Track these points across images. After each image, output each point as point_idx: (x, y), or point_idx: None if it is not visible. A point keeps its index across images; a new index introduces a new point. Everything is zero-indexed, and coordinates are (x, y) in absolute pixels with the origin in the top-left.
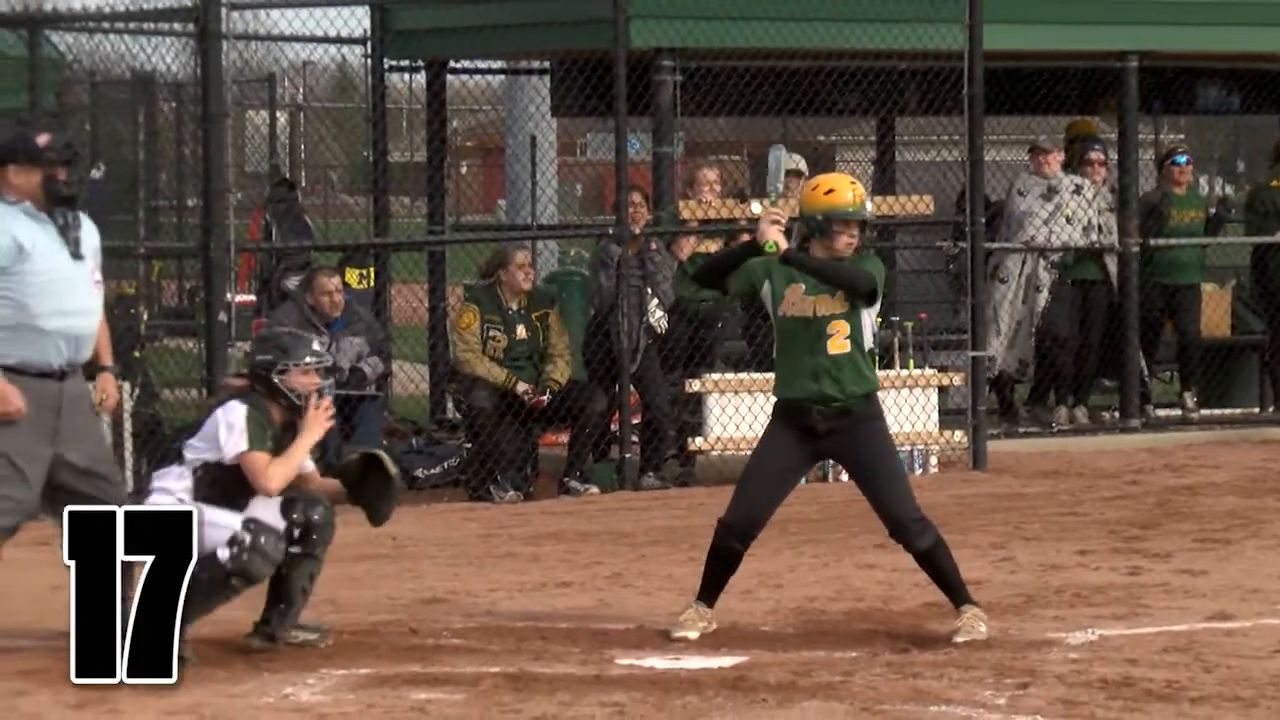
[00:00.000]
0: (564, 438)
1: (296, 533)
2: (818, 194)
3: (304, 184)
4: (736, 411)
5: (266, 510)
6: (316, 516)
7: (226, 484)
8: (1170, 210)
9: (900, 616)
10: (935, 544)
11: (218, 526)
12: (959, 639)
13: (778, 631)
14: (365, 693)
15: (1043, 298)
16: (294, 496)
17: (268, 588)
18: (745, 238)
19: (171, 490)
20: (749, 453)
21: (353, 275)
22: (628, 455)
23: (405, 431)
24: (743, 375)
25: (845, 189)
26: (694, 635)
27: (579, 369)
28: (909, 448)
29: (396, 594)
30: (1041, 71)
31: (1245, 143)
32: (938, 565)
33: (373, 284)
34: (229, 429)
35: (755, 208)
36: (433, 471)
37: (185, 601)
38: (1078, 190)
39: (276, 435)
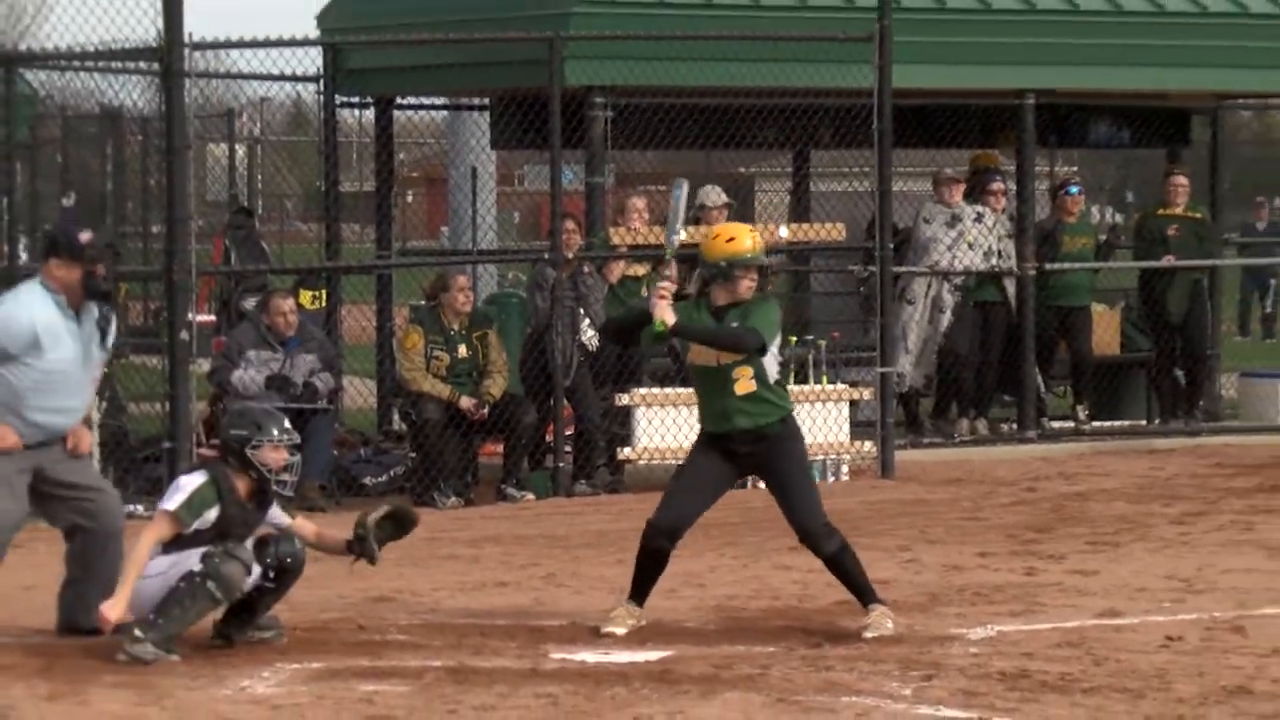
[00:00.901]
0: (501, 448)
1: (271, 572)
2: (719, 242)
3: (261, 212)
4: (663, 424)
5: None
6: (290, 560)
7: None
8: (1064, 237)
9: (814, 613)
10: (841, 549)
11: (194, 555)
12: (869, 635)
13: (700, 627)
14: (316, 685)
15: (946, 318)
16: (269, 536)
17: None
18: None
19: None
20: (674, 462)
21: (306, 297)
22: (561, 464)
23: (354, 442)
24: (668, 390)
25: (745, 237)
26: (622, 631)
27: (515, 384)
28: (822, 457)
29: (346, 593)
30: (946, 108)
31: (1133, 175)
32: (844, 568)
33: (325, 305)
34: (176, 489)
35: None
36: (380, 479)
37: (168, 608)
38: (979, 218)
39: (229, 509)
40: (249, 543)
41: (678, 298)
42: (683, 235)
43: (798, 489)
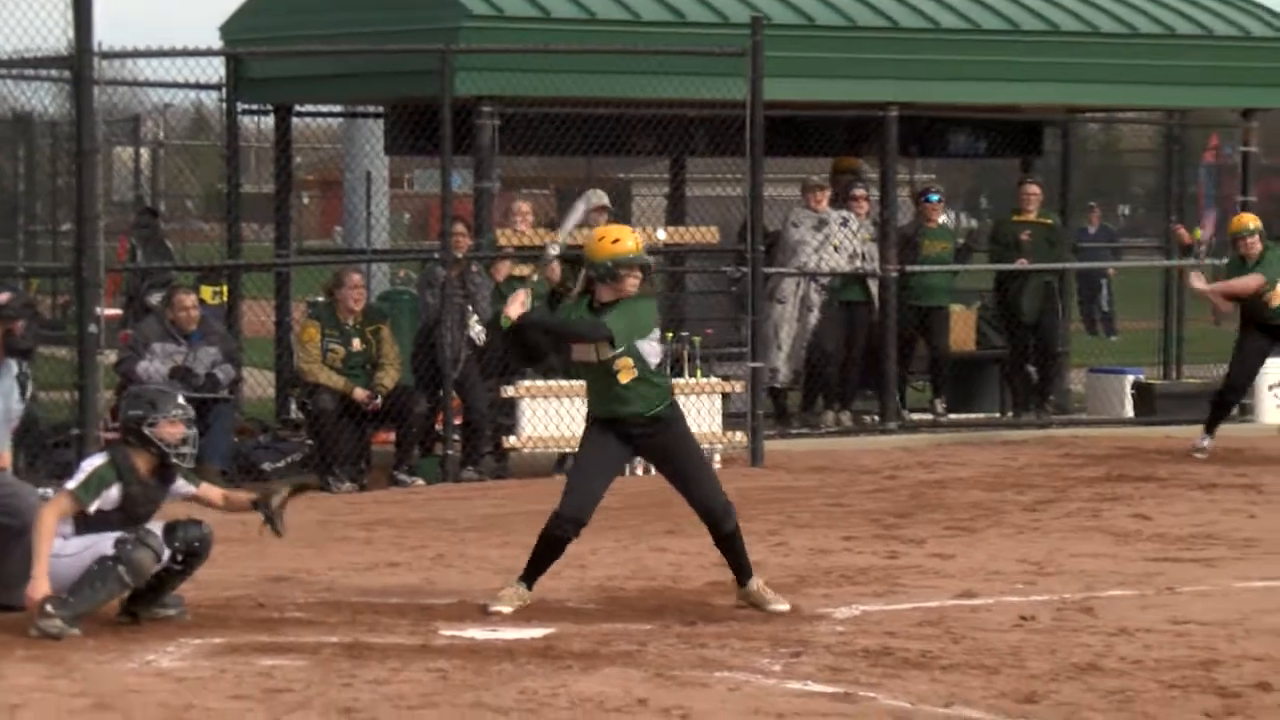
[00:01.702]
0: (393, 436)
1: (179, 555)
2: (604, 244)
3: (164, 212)
4: (546, 414)
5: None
6: (198, 543)
7: (105, 523)
8: (924, 241)
9: (688, 594)
10: (737, 526)
11: (108, 539)
12: (773, 608)
13: (581, 606)
14: (218, 660)
15: (814, 316)
16: (177, 522)
17: None
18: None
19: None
20: (557, 450)
21: (208, 292)
22: (450, 451)
23: (253, 430)
24: (551, 382)
25: (628, 238)
26: (509, 610)
27: (407, 376)
28: None
29: (246, 573)
30: (814, 119)
31: (987, 182)
32: (736, 546)
33: (226, 300)
34: (78, 471)
35: (552, 250)
36: (278, 465)
37: (80, 588)
38: (845, 223)
39: (130, 487)
40: (159, 527)
41: (559, 297)
42: (568, 240)
43: (698, 469)
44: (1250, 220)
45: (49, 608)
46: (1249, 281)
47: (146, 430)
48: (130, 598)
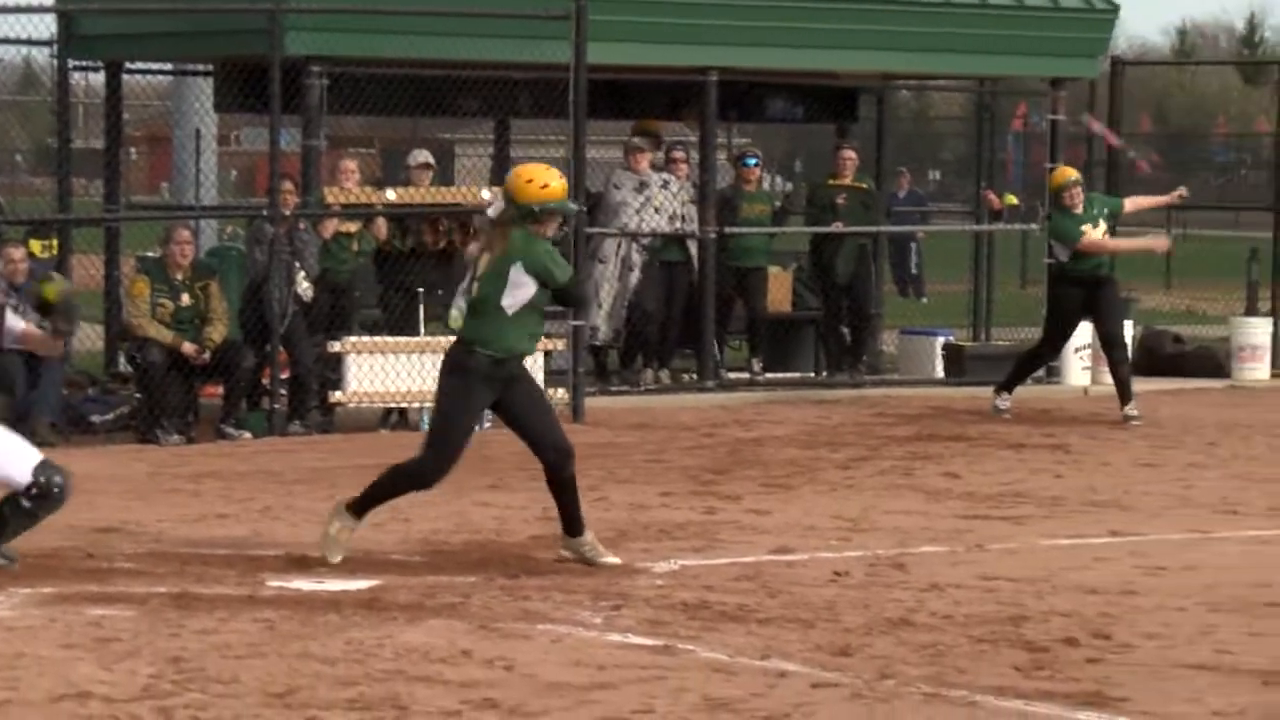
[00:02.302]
0: (221, 390)
1: (34, 491)
2: (533, 187)
3: None
4: (371, 370)
5: (18, 459)
6: (56, 489)
7: None
8: (742, 204)
9: (511, 547)
10: (574, 473)
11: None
12: (605, 560)
13: (406, 559)
14: (48, 609)
15: (634, 276)
16: (47, 461)
17: None
18: None
19: None
20: (382, 405)
21: (37, 246)
22: (276, 406)
23: (82, 383)
24: (377, 339)
25: (557, 185)
26: (338, 559)
27: (235, 331)
28: None
29: (75, 523)
30: (636, 83)
31: (802, 147)
32: (574, 493)
33: (55, 254)
34: None
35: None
36: (106, 417)
37: None
38: (665, 185)
39: None
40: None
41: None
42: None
43: (549, 411)
44: (1072, 171)
45: None
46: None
47: None
48: None
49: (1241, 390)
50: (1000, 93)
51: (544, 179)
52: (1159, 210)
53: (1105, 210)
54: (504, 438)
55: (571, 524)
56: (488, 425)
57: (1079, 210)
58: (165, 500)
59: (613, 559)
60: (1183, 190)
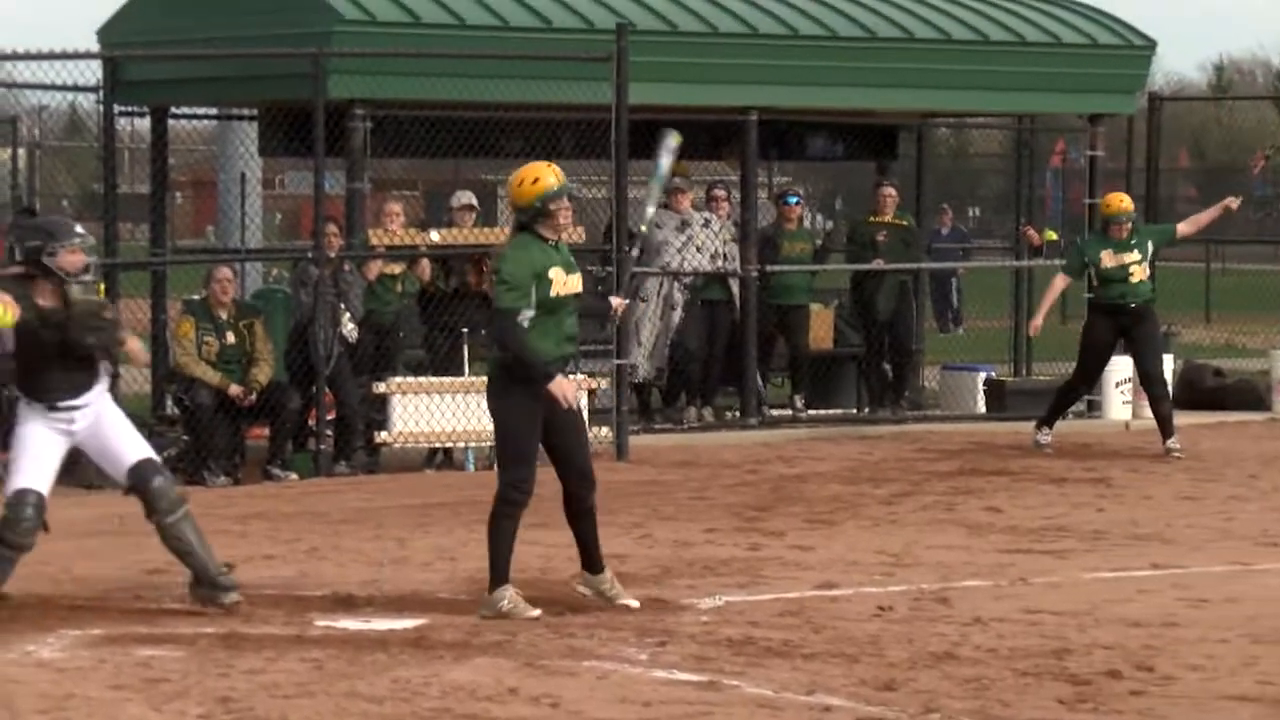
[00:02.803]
0: (267, 431)
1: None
2: (526, 187)
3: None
4: (416, 410)
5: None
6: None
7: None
8: (783, 242)
9: (556, 584)
10: (594, 506)
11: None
12: (625, 601)
13: (453, 598)
14: (97, 650)
15: (677, 315)
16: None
17: None
18: None
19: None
20: (427, 445)
21: None
22: (322, 446)
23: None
24: (421, 379)
25: (547, 174)
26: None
27: (281, 372)
28: None
29: (124, 565)
30: (677, 123)
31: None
32: (593, 525)
33: (103, 298)
34: None
35: (434, 236)
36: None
37: None
38: (706, 224)
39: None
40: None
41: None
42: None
43: (583, 430)
44: (1127, 204)
45: None
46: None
47: (46, 260)
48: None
49: None
50: (1039, 129)
51: (533, 174)
52: (1198, 242)
53: (1149, 241)
54: (549, 476)
55: (592, 560)
56: None
57: (1119, 238)
58: (212, 541)
59: (632, 601)
60: (1231, 200)
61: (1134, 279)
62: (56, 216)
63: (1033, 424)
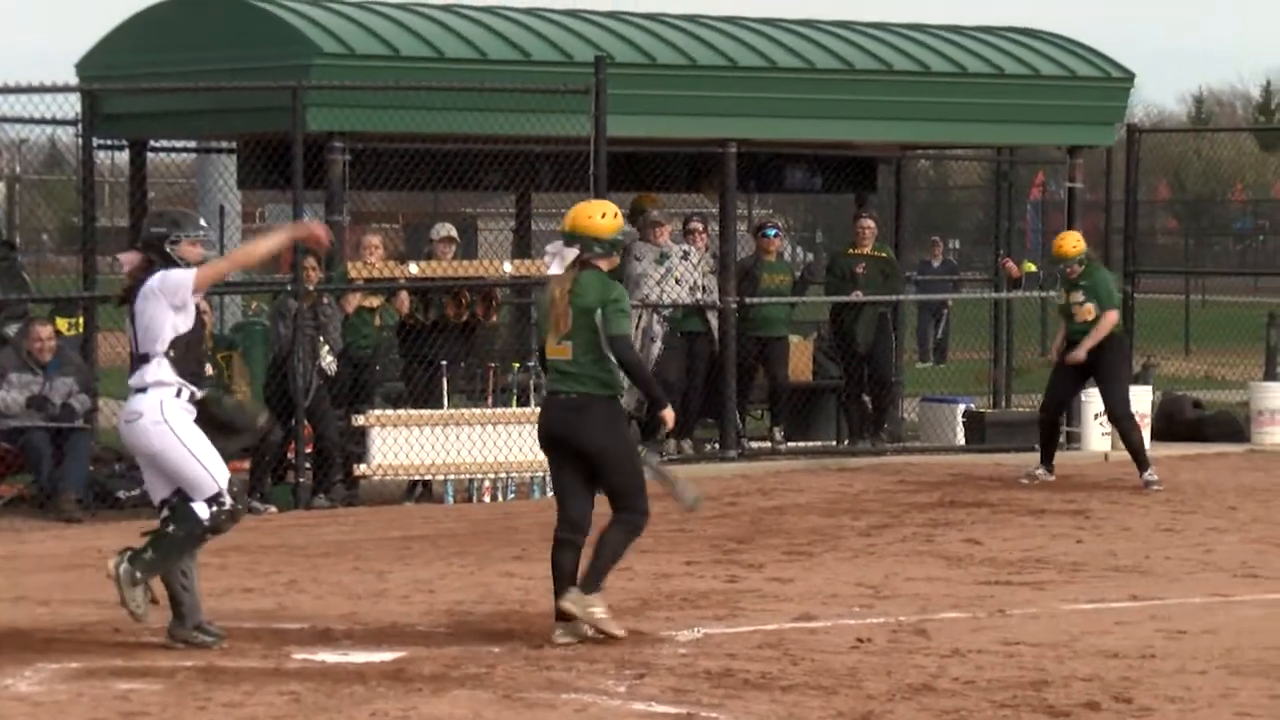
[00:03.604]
0: (247, 464)
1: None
2: (608, 220)
3: (20, 245)
4: (395, 442)
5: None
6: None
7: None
8: (762, 274)
9: (535, 617)
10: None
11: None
12: (611, 630)
13: (431, 630)
14: (75, 684)
15: (656, 347)
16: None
17: None
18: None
19: (165, 381)
20: (406, 478)
21: (63, 323)
22: (301, 479)
23: (108, 458)
24: (400, 412)
25: (615, 213)
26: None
27: (260, 404)
28: (542, 473)
29: (102, 599)
30: (656, 155)
31: (822, 217)
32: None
33: (81, 331)
34: (166, 278)
35: (413, 269)
36: (133, 493)
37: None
38: (685, 256)
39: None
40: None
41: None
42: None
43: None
44: (1071, 247)
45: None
46: (1107, 320)
47: (169, 249)
48: None
49: (1261, 454)
50: (1018, 161)
51: (605, 209)
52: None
53: (1095, 291)
54: (527, 509)
55: (594, 580)
56: (512, 495)
57: (1070, 279)
58: None
59: (619, 630)
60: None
61: (1076, 319)
62: (185, 210)
63: (1011, 455)
